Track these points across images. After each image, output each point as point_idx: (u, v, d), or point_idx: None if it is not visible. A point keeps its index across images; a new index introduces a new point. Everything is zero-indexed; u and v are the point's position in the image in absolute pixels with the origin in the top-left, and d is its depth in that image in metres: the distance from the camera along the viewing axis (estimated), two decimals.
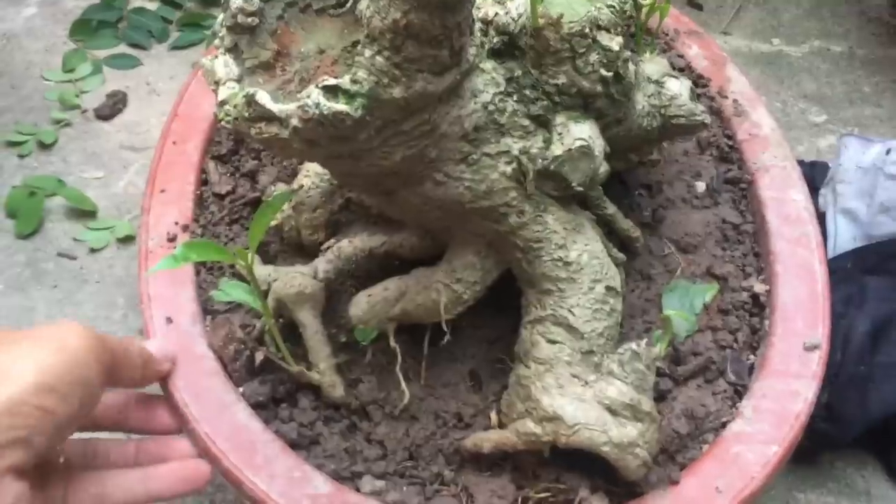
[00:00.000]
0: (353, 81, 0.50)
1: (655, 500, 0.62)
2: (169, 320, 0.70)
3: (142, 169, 1.07)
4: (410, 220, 0.68)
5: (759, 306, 0.76)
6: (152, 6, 1.21)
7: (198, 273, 0.74)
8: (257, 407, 0.66)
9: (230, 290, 0.65)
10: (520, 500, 0.63)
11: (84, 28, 1.18)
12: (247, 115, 0.52)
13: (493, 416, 0.67)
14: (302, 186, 0.73)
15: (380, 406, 0.68)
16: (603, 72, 0.61)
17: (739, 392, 0.71)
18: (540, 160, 0.61)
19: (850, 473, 0.89)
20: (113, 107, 1.10)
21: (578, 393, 0.60)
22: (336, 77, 0.51)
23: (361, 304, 0.68)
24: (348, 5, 0.54)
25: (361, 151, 0.54)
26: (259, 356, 0.68)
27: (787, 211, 0.82)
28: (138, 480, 0.59)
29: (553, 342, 0.62)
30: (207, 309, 0.72)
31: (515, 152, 0.61)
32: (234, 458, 0.62)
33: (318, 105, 0.49)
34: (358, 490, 0.63)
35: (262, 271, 0.72)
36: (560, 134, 0.61)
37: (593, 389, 0.61)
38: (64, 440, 0.54)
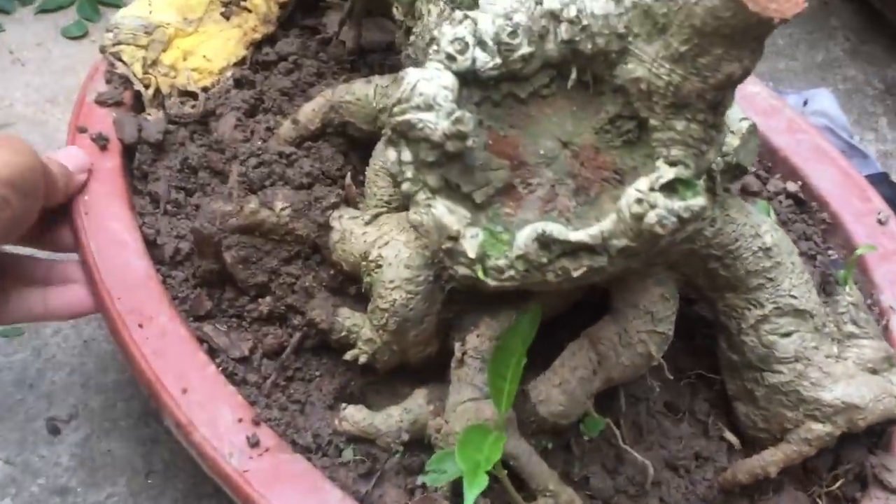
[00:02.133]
0: (676, 164, 0.39)
1: None
2: None
3: None
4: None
5: (801, 202, 0.77)
6: None
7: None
8: None
9: (448, 465, 0.51)
10: (818, 497, 0.59)
11: None
12: (545, 259, 0.39)
13: (731, 436, 0.61)
14: (395, 301, 0.58)
15: (622, 492, 0.59)
16: None
17: (858, 283, 0.71)
18: (720, 159, 0.54)
19: None
20: None
21: (844, 372, 0.57)
22: (617, 169, 0.40)
23: (557, 398, 0.57)
24: (572, 79, 0.41)
25: None
26: None
27: (758, 103, 0.82)
28: (40, 299, 0.65)
29: (788, 335, 0.57)
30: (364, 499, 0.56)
31: None
32: None
33: (671, 210, 0.37)
34: None
35: (414, 404, 0.58)
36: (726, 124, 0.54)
37: (849, 360, 0.57)
38: (7, 241, 0.60)
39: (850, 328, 0.58)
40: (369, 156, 0.69)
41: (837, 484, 0.59)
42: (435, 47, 0.41)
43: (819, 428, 0.56)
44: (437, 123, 0.39)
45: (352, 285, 0.63)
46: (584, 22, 0.39)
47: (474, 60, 0.40)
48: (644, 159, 0.40)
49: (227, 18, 0.83)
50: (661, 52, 0.38)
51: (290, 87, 0.75)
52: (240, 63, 0.79)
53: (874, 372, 0.57)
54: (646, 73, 0.38)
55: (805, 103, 0.97)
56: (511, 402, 0.47)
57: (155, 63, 0.78)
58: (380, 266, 0.58)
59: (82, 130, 0.73)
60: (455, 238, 0.39)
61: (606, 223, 0.38)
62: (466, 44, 0.40)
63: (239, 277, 0.63)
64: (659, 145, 0.39)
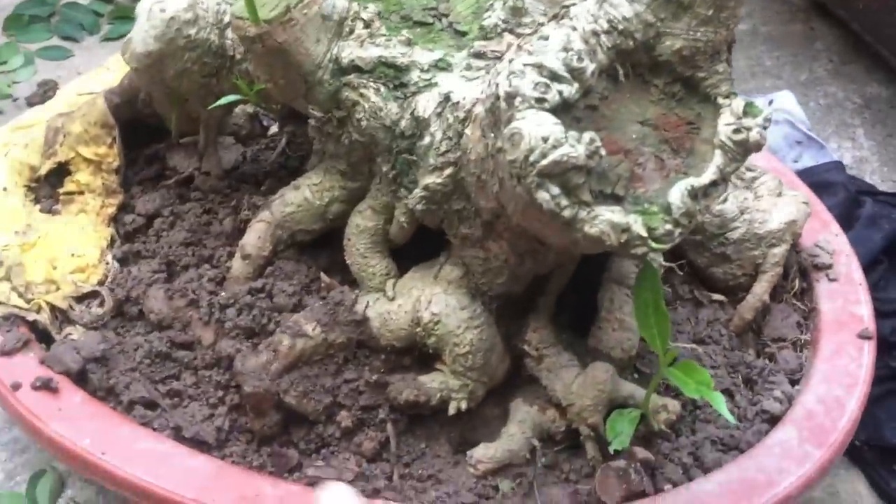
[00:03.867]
0: (730, 95, 0.51)
1: None
2: None
3: None
4: None
5: None
6: (84, 1, 1.26)
7: None
8: None
9: (621, 426, 0.59)
10: (789, 300, 0.76)
11: (16, 23, 1.22)
12: (698, 207, 0.49)
13: (717, 296, 0.76)
14: (472, 340, 0.63)
15: None
16: None
17: None
18: None
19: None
20: (44, 95, 1.09)
21: (769, 204, 0.74)
22: (689, 121, 0.51)
23: (624, 337, 0.67)
24: (622, 75, 0.50)
25: None
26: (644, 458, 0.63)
27: None
28: None
29: (725, 200, 0.73)
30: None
31: None
32: None
33: (761, 125, 0.50)
34: None
35: (522, 414, 0.65)
36: None
37: (764, 195, 0.75)
38: None
39: (749, 174, 0.76)
40: (321, 252, 0.72)
41: (795, 286, 0.77)
42: (519, 98, 0.48)
43: (779, 250, 0.73)
44: (577, 150, 0.46)
45: (403, 359, 0.67)
46: (620, 27, 0.49)
47: (560, 93, 0.48)
48: (701, 105, 0.51)
49: (54, 214, 0.77)
50: (692, 21, 0.49)
51: (190, 235, 0.74)
52: (111, 243, 0.75)
53: (780, 195, 0.75)
54: (684, 42, 0.49)
55: (770, 103, 1.08)
56: (666, 341, 0.56)
57: (28, 287, 0.71)
58: (438, 322, 0.63)
59: (16, 387, 0.66)
60: (627, 229, 0.47)
61: (717, 159, 0.49)
62: (546, 84, 0.48)
63: (308, 411, 0.63)
64: (711, 88, 0.51)
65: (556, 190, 0.47)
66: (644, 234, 0.48)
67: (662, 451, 0.66)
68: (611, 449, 0.60)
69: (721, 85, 0.51)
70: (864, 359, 0.70)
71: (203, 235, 0.74)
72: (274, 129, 0.84)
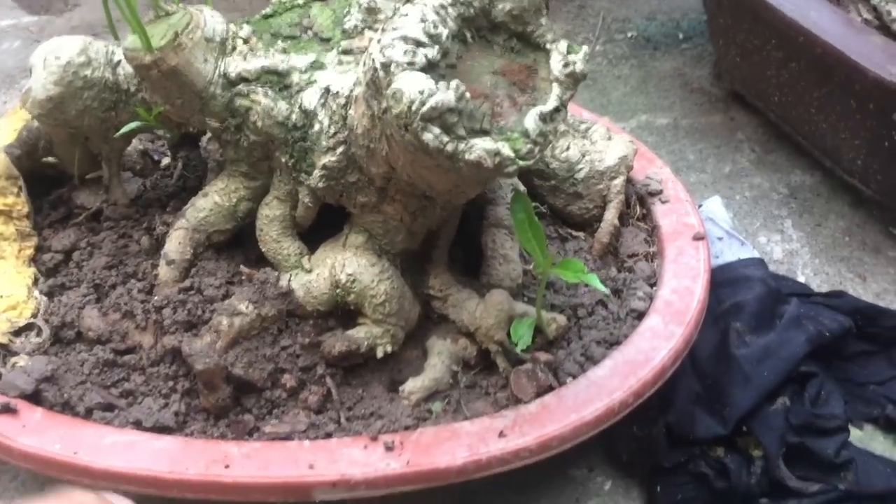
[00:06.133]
0: (556, 40, 0.65)
1: None
2: None
3: None
4: None
5: None
6: None
7: None
8: None
9: (522, 330, 0.71)
10: (634, 223, 0.91)
11: None
12: (550, 128, 0.62)
13: (576, 231, 0.90)
14: (386, 290, 0.74)
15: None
16: None
17: None
18: None
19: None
20: None
21: (603, 145, 0.89)
22: (528, 66, 0.65)
23: (510, 270, 0.80)
24: (469, 38, 0.63)
25: None
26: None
27: None
28: None
29: (569, 148, 0.88)
30: None
31: None
32: None
33: (583, 60, 0.64)
34: None
35: (439, 347, 0.76)
36: None
37: (598, 140, 0.90)
38: None
39: (583, 125, 0.91)
40: (235, 251, 0.81)
41: (637, 211, 0.92)
42: (394, 65, 0.59)
43: (618, 181, 0.88)
44: (448, 95, 0.58)
45: (328, 321, 0.76)
46: None
47: (426, 56, 0.60)
48: (535, 53, 0.64)
49: None
50: None
51: (111, 258, 0.81)
52: (35, 282, 0.81)
53: (610, 138, 0.91)
54: (512, 3, 0.63)
55: (700, 206, 1.05)
56: (545, 250, 0.68)
57: None
58: (354, 280, 0.74)
59: None
60: (498, 153, 0.60)
61: (556, 90, 0.62)
62: (413, 50, 0.60)
63: (256, 379, 0.72)
64: (539, 38, 0.64)
65: (437, 130, 0.59)
66: (512, 154, 0.60)
67: (559, 357, 0.79)
68: (517, 350, 0.72)
69: (546, 34, 0.64)
70: (701, 254, 0.86)
71: (123, 256, 0.81)
72: (166, 160, 0.92)
